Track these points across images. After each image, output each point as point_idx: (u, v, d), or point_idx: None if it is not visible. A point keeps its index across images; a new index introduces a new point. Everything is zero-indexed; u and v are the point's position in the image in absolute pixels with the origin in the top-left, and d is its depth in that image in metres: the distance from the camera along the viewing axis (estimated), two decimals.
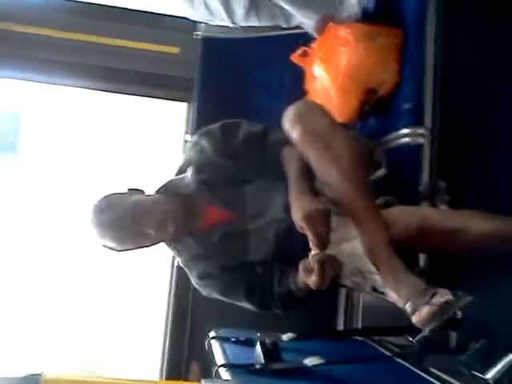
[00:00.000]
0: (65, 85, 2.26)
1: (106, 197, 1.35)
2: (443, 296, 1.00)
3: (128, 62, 2.14)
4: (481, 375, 0.98)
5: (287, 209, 1.26)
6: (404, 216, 1.22)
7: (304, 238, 1.28)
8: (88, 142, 2.34)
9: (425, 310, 0.99)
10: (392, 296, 1.09)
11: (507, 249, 1.16)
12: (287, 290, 1.31)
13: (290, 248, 1.30)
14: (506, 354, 0.97)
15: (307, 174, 1.22)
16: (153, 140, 2.36)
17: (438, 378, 1.17)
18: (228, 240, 1.34)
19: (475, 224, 1.17)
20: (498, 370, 0.96)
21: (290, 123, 1.20)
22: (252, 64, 2.08)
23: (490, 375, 0.97)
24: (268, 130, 1.38)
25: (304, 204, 1.12)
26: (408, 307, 1.04)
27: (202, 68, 2.07)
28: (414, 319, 1.02)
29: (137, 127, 2.37)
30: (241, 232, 1.34)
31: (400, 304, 1.07)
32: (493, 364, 0.97)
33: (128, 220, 1.26)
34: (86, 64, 2.13)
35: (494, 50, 1.57)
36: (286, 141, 1.26)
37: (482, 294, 1.14)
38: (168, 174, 1.46)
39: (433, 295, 1.01)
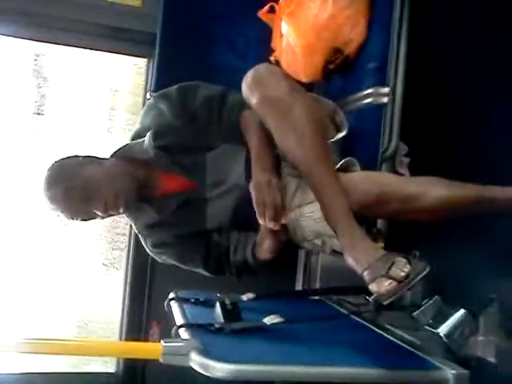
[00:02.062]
0: (17, 36, 2.11)
1: (57, 166, 1.29)
2: (402, 268, 1.01)
3: (87, 14, 2.02)
4: (433, 330, 1.01)
5: (247, 175, 1.26)
6: (363, 183, 1.21)
7: None
8: (43, 98, 2.22)
9: (385, 286, 1.00)
10: (350, 262, 1.10)
11: (463, 214, 1.18)
12: (243, 258, 1.32)
13: (249, 215, 1.27)
14: (456, 310, 1.00)
15: (267, 139, 1.20)
16: (113, 95, 2.27)
17: (392, 333, 1.21)
18: (186, 208, 1.32)
19: (433, 190, 1.18)
20: (449, 325, 1.00)
21: (248, 88, 1.17)
22: (217, 20, 2.00)
23: (441, 330, 1.00)
24: (226, 91, 1.33)
25: (256, 173, 1.16)
26: (366, 275, 1.05)
27: (165, 23, 1.96)
28: (372, 289, 1.03)
29: (95, 82, 2.26)
30: (200, 200, 1.32)
31: (358, 270, 1.08)
32: (444, 319, 1.00)
33: (76, 199, 1.24)
34: (41, 13, 1.99)
35: (462, 11, 1.56)
36: (245, 103, 1.23)
37: (436, 254, 1.18)
38: (124, 134, 1.40)
39: (391, 265, 1.02)
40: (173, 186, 1.32)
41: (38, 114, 2.15)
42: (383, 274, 1.00)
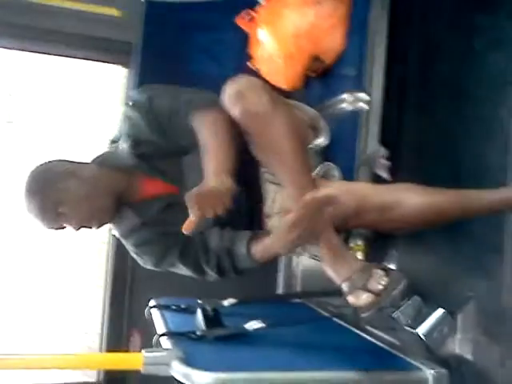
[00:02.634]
0: None
1: (36, 175, 1.26)
2: (379, 280, 1.03)
3: (65, 23, 2.01)
4: (412, 330, 1.02)
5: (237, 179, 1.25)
6: (342, 195, 1.21)
7: (245, 205, 1.29)
8: (20, 106, 2.20)
9: (362, 299, 1.02)
10: (329, 273, 1.11)
11: (441, 220, 1.19)
12: (228, 246, 1.26)
13: (230, 216, 1.28)
14: (435, 310, 1.01)
15: (228, 143, 1.19)
16: (90, 105, 2.25)
17: (372, 334, 1.22)
18: (168, 211, 1.30)
19: (410, 198, 1.18)
20: (428, 325, 1.01)
21: (229, 101, 1.16)
22: (195, 28, 2.00)
23: (420, 329, 1.01)
24: (181, 95, 1.29)
25: (206, 182, 1.11)
26: (344, 287, 1.07)
27: (144, 32, 1.97)
28: (350, 301, 1.05)
29: (73, 91, 2.24)
30: (180, 204, 1.29)
31: (337, 282, 1.09)
32: (423, 319, 1.01)
33: (50, 213, 1.22)
34: (20, 24, 1.97)
35: (440, 17, 1.59)
36: (198, 104, 1.22)
37: (414, 254, 1.19)
38: (104, 141, 1.39)
39: (369, 277, 1.04)
40: (154, 190, 1.32)
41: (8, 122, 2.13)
42: (361, 286, 1.02)
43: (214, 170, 1.13)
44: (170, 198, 1.30)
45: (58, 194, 1.22)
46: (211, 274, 1.29)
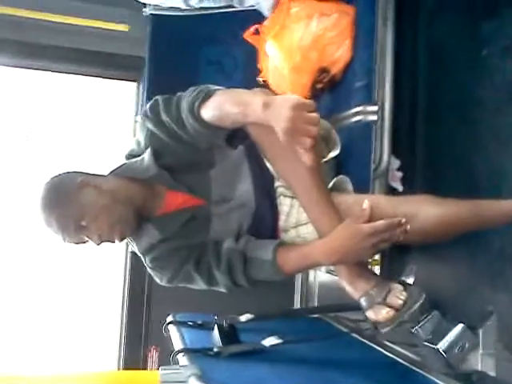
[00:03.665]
0: (9, 65, 2.12)
1: (52, 187, 1.23)
2: (399, 295, 1.02)
3: (74, 40, 2.04)
4: (433, 345, 1.01)
5: (254, 194, 1.25)
6: (355, 207, 1.20)
7: (268, 224, 1.28)
8: (33, 123, 2.23)
9: (382, 314, 1.01)
10: (347, 288, 1.10)
11: (458, 231, 1.18)
12: (245, 252, 1.23)
13: (258, 234, 1.27)
14: (455, 325, 1.00)
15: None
16: (102, 121, 2.27)
17: (391, 350, 1.21)
18: (190, 225, 1.28)
19: (425, 210, 1.17)
20: (449, 340, 1.00)
21: None
22: (203, 42, 2.02)
23: (441, 345, 1.00)
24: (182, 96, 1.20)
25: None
26: (363, 302, 1.06)
27: (152, 46, 1.98)
28: (370, 316, 1.04)
29: (85, 108, 2.27)
30: (204, 217, 1.28)
31: (354, 296, 1.08)
32: (443, 334, 1.00)
33: (70, 226, 1.19)
34: (30, 43, 2.00)
35: (446, 26, 1.58)
36: (203, 95, 1.10)
37: (432, 269, 1.18)
38: (118, 156, 1.38)
39: (388, 292, 1.04)
40: (177, 203, 1.29)
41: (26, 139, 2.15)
42: (380, 301, 1.01)
43: None
44: (195, 210, 1.28)
45: (79, 205, 1.19)
46: (222, 282, 1.25)
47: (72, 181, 1.24)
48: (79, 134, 2.21)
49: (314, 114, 0.97)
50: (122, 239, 1.25)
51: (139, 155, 1.28)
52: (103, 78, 2.20)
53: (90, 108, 2.24)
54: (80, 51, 2.06)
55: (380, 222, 1.06)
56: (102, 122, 2.24)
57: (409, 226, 1.07)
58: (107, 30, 2.08)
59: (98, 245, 1.23)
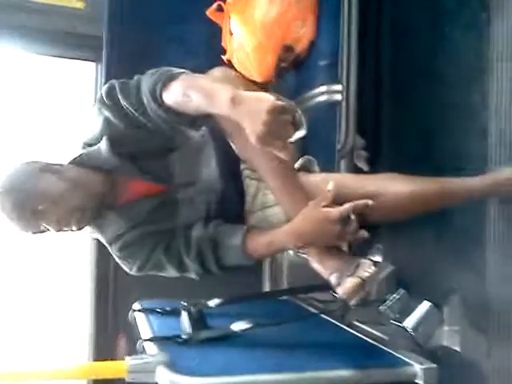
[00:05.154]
0: None
1: (11, 173, 1.19)
2: (366, 268, 1.03)
3: (30, 18, 1.93)
4: (400, 324, 1.02)
5: (220, 177, 1.24)
6: (323, 185, 1.19)
7: (234, 206, 1.27)
8: None
9: (349, 282, 1.02)
10: (316, 267, 1.11)
11: (425, 208, 1.20)
12: (215, 238, 1.21)
13: (225, 217, 1.26)
14: (421, 304, 1.02)
15: None
16: (61, 104, 2.18)
17: (360, 330, 1.23)
18: (156, 212, 1.25)
19: (393, 186, 1.19)
20: (415, 318, 1.01)
21: None
22: (165, 20, 1.95)
23: (408, 323, 1.02)
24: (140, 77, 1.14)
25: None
26: (332, 279, 1.06)
27: (109, 24, 1.91)
28: (339, 291, 1.04)
29: (42, 90, 2.16)
30: (170, 202, 1.26)
31: (324, 275, 1.09)
32: (410, 312, 1.02)
33: (26, 212, 1.14)
34: None
35: (410, 3, 1.58)
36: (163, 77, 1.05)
37: (398, 248, 1.20)
38: (76, 142, 1.32)
39: (356, 267, 1.04)
40: (140, 191, 1.26)
41: None
42: (349, 275, 1.02)
43: None
44: (159, 197, 1.26)
45: (37, 190, 1.15)
46: (193, 269, 1.24)
47: (31, 167, 1.20)
48: (37, 118, 2.12)
49: (289, 117, 0.94)
50: (80, 227, 1.21)
51: (95, 144, 1.24)
52: (61, 57, 2.09)
53: (46, 90, 2.14)
54: (34, 29, 1.95)
55: (345, 207, 1.06)
56: (61, 105, 2.15)
57: (371, 202, 1.08)
58: (62, 6, 1.98)
59: (57, 231, 1.19)
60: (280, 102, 0.93)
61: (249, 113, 0.92)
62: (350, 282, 1.03)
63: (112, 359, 1.18)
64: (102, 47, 1.87)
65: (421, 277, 1.23)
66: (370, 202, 1.07)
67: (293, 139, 1.36)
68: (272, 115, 0.90)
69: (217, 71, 1.20)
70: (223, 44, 1.77)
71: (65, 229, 1.19)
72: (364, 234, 1.08)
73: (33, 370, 1.02)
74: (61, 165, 1.24)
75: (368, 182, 1.25)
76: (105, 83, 1.59)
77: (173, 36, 1.93)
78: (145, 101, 1.08)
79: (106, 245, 1.31)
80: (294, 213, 1.12)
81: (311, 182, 1.23)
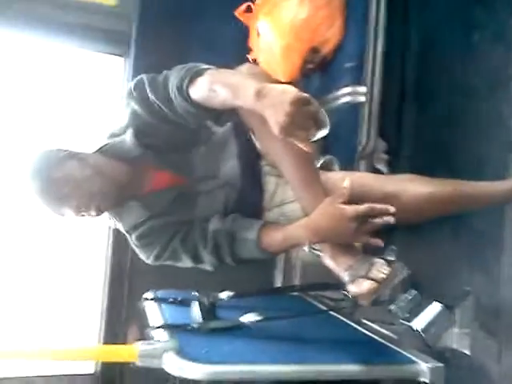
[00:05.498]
0: None
1: (37, 158, 1.23)
2: (381, 269, 1.03)
3: (61, 13, 1.99)
4: (409, 324, 1.02)
5: (240, 172, 1.24)
6: (341, 184, 1.20)
7: (253, 202, 1.27)
8: (18, 96, 2.18)
9: (365, 286, 1.02)
10: (329, 263, 1.10)
11: (443, 210, 1.19)
12: (232, 231, 1.22)
13: (242, 212, 1.26)
14: (432, 304, 1.01)
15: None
16: (89, 96, 2.23)
17: (369, 328, 1.22)
18: (176, 203, 1.27)
19: (412, 188, 1.18)
20: (425, 319, 1.00)
21: None
22: (193, 18, 1.98)
23: (417, 323, 1.01)
24: (169, 72, 1.16)
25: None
26: (346, 277, 1.06)
27: (140, 21, 1.95)
28: (352, 290, 1.04)
29: (71, 82, 2.22)
30: (190, 195, 1.28)
31: (337, 272, 1.08)
32: (420, 313, 1.01)
33: (50, 195, 1.19)
34: (16, 11, 1.95)
35: (438, 10, 1.57)
36: (192, 73, 1.07)
37: (412, 249, 1.19)
38: (102, 133, 1.36)
39: (370, 266, 1.04)
40: (162, 182, 1.28)
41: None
42: (363, 275, 1.01)
43: None
44: (179, 189, 1.28)
45: (62, 174, 1.19)
46: (208, 261, 1.25)
47: (55, 154, 1.24)
48: (65, 109, 2.17)
49: (312, 108, 0.95)
50: (99, 213, 1.24)
51: (121, 134, 1.27)
52: (91, 50, 2.15)
53: (75, 82, 2.20)
54: (66, 24, 2.01)
55: (362, 206, 1.06)
56: (89, 97, 2.20)
57: (393, 209, 1.06)
58: (94, 3, 2.03)
59: (77, 216, 1.22)
60: (303, 94, 0.94)
61: (273, 104, 0.94)
62: (365, 284, 1.03)
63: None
64: (130, 43, 1.92)
65: (433, 278, 1.21)
66: (391, 208, 1.06)
67: (316, 138, 1.38)
68: (295, 106, 0.92)
69: (244, 68, 1.22)
70: (250, 44, 1.80)
71: (84, 214, 1.22)
72: (379, 242, 1.07)
73: (45, 349, 1.04)
74: (86, 153, 1.28)
75: (387, 182, 1.25)
76: (132, 78, 1.65)
77: (201, 34, 1.96)
78: (172, 95, 1.11)
79: (125, 233, 1.33)
80: (311, 208, 1.12)
81: (330, 180, 1.24)
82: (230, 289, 1.29)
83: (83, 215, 1.24)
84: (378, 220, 1.06)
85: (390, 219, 1.05)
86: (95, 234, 2.05)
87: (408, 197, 1.17)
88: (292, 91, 0.94)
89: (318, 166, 1.36)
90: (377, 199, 1.17)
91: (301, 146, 0.96)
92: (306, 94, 0.94)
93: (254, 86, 0.97)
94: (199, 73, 1.07)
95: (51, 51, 2.13)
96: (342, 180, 1.20)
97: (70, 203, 1.20)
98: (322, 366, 1.00)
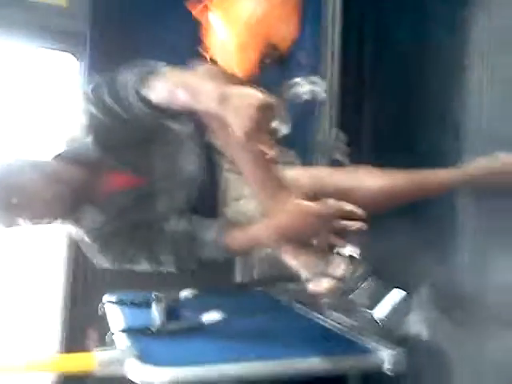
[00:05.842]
0: None
1: None
2: (339, 266, 1.03)
3: (13, 14, 1.92)
4: (369, 311, 1.02)
5: (199, 169, 1.22)
6: (301, 180, 1.21)
7: (212, 198, 1.26)
8: None
9: (324, 284, 1.02)
10: (287, 260, 1.09)
11: (398, 201, 1.21)
12: (190, 231, 1.20)
13: (201, 209, 1.24)
14: (391, 291, 1.02)
15: None
16: (46, 98, 2.16)
17: (330, 317, 1.22)
18: (134, 205, 1.24)
19: (368, 180, 1.19)
20: (385, 305, 1.01)
21: None
22: (147, 17, 1.95)
23: (377, 310, 1.01)
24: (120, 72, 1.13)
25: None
26: (303, 274, 1.06)
27: (92, 21, 1.91)
28: (311, 288, 1.04)
29: (29, 85, 2.15)
30: (148, 195, 1.24)
31: (295, 268, 1.08)
32: (380, 300, 1.02)
33: (3, 205, 1.13)
34: None
35: (393, 1, 1.59)
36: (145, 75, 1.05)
37: (370, 236, 1.19)
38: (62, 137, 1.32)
39: (328, 263, 1.04)
40: (119, 184, 1.24)
41: None
42: (320, 272, 1.01)
43: None
44: (138, 190, 1.24)
45: (11, 183, 1.14)
46: (168, 263, 1.22)
47: (11, 163, 1.20)
48: (22, 112, 2.10)
49: (274, 112, 0.94)
50: (53, 221, 1.20)
51: (78, 138, 1.23)
52: (44, 52, 2.08)
53: (30, 84, 2.12)
54: (19, 25, 1.94)
55: (329, 203, 1.06)
56: (46, 101, 2.13)
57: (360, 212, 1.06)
58: (46, 4, 1.97)
59: (32, 225, 1.18)
60: (268, 99, 0.93)
61: (236, 109, 0.92)
62: (324, 282, 1.02)
63: (82, 352, 1.16)
64: (84, 43, 1.87)
65: (392, 265, 1.23)
66: (358, 211, 1.05)
67: (277, 135, 1.37)
68: (260, 111, 0.91)
69: (201, 68, 1.20)
70: (205, 41, 1.78)
71: (38, 222, 1.18)
72: (342, 242, 1.07)
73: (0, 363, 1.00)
74: (41, 160, 1.24)
75: (344, 175, 1.26)
76: (88, 78, 1.59)
77: (155, 33, 1.93)
78: (128, 95, 1.07)
79: (80, 237, 1.28)
80: (271, 208, 1.11)
81: (289, 176, 1.23)
82: (189, 287, 1.26)
83: (38, 224, 1.19)
84: (347, 223, 1.05)
85: (363, 226, 1.05)
86: (50, 236, 1.98)
87: (365, 190, 1.18)
88: (256, 96, 0.92)
89: (277, 160, 1.36)
90: (332, 194, 1.17)
91: (263, 148, 0.95)
92: (270, 99, 0.93)
93: (214, 90, 0.95)
94: (156, 72, 1.04)
95: (5, 52, 2.05)
96: (301, 176, 1.20)
97: (22, 214, 1.14)
98: (283, 361, 0.99)
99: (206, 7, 1.73)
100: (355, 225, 1.04)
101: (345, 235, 1.07)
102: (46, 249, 2.01)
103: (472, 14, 1.30)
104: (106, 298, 1.40)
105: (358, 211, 1.06)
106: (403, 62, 1.54)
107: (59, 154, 1.24)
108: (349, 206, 1.06)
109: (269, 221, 1.11)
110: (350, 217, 1.05)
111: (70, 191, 1.18)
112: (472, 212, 1.21)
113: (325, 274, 1.03)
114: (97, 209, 1.24)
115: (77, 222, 1.27)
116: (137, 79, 1.05)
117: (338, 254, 1.07)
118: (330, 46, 1.52)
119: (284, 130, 1.47)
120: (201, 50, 1.76)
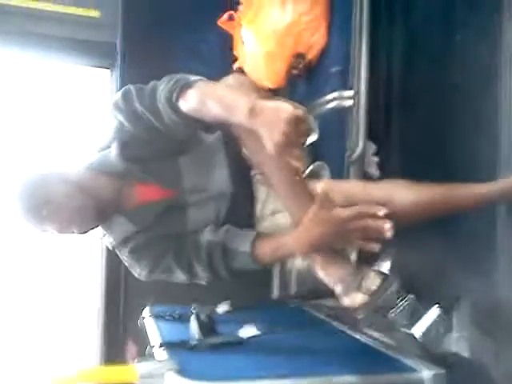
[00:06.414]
0: None
1: (21, 182, 1.23)
2: (373, 281, 1.04)
3: (46, 27, 1.98)
4: (408, 330, 1.02)
5: (231, 182, 1.23)
6: (332, 193, 1.20)
7: (245, 212, 1.27)
8: (5, 112, 2.16)
9: (358, 299, 1.02)
10: (321, 275, 1.10)
11: (431, 215, 1.18)
12: (225, 243, 1.21)
13: (234, 221, 1.25)
14: (430, 309, 1.01)
15: None
16: (76, 110, 2.21)
17: (369, 336, 1.21)
18: (165, 216, 1.26)
19: (400, 194, 1.17)
20: (424, 324, 1.00)
21: None
22: (178, 28, 1.99)
23: (416, 329, 1.01)
24: (157, 83, 1.14)
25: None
26: (337, 289, 1.06)
27: (125, 32, 1.94)
28: (345, 303, 1.05)
29: (58, 96, 2.21)
30: (179, 207, 1.26)
31: (329, 283, 1.08)
32: (419, 319, 1.01)
33: (36, 216, 1.19)
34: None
35: (421, 11, 1.57)
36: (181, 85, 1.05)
37: (407, 254, 1.19)
38: (91, 146, 1.35)
39: (361, 279, 1.05)
40: (148, 195, 1.27)
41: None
42: (354, 287, 1.02)
43: None
44: (167, 201, 1.26)
45: (42, 196, 1.19)
46: (202, 274, 1.23)
47: (42, 173, 1.24)
48: (53, 123, 2.16)
49: (305, 126, 0.96)
50: (82, 232, 1.23)
51: (107, 148, 1.27)
52: (76, 65, 2.13)
53: (63, 96, 2.18)
54: (50, 38, 2.00)
55: (352, 208, 1.06)
56: (77, 111, 2.18)
57: (382, 212, 1.06)
58: (78, 16, 2.02)
59: (60, 234, 1.22)
60: (298, 112, 0.94)
61: (267, 122, 0.94)
62: (357, 297, 1.03)
63: (121, 365, 1.19)
64: (116, 55, 1.91)
65: (429, 282, 1.21)
66: (382, 209, 1.06)
67: (305, 144, 1.37)
68: (291, 125, 0.92)
69: (231, 78, 1.21)
70: (235, 52, 1.80)
71: (66, 232, 1.21)
72: (374, 246, 1.07)
73: (43, 374, 1.03)
74: (70, 172, 1.27)
75: (376, 188, 1.24)
76: (119, 89, 1.63)
77: (186, 43, 1.97)
78: (160, 107, 1.09)
79: (115, 249, 1.32)
80: (301, 219, 1.11)
81: (318, 190, 1.23)
82: (226, 300, 1.28)
83: (67, 233, 1.23)
84: (371, 223, 1.05)
85: (387, 232, 1.05)
86: (88, 252, 2.03)
87: (397, 203, 1.16)
88: (287, 109, 0.93)
89: (307, 172, 1.36)
90: None
91: (293, 162, 0.96)
92: (300, 111, 0.95)
93: (247, 103, 0.97)
94: (189, 84, 1.05)
95: (37, 66, 2.12)
96: (331, 190, 1.20)
97: (51, 224, 1.19)
98: (322, 378, 0.99)
99: (233, 19, 1.75)
100: (384, 224, 1.04)
101: (376, 240, 1.07)
102: (86, 260, 2.06)
103: (504, 20, 1.28)
104: (145, 311, 1.43)
105: (381, 211, 1.05)
106: (434, 71, 1.52)
107: (89, 165, 1.28)
108: (374, 209, 1.06)
109: (298, 230, 1.11)
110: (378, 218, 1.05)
111: (99, 201, 1.22)
112: (511, 226, 1.19)
113: (359, 289, 1.04)
114: (126, 219, 1.27)
115: (110, 231, 1.30)
116: (168, 89, 1.07)
117: (373, 269, 1.08)
118: (357, 55, 1.51)
119: (312, 138, 1.47)
120: (231, 61, 1.79)
